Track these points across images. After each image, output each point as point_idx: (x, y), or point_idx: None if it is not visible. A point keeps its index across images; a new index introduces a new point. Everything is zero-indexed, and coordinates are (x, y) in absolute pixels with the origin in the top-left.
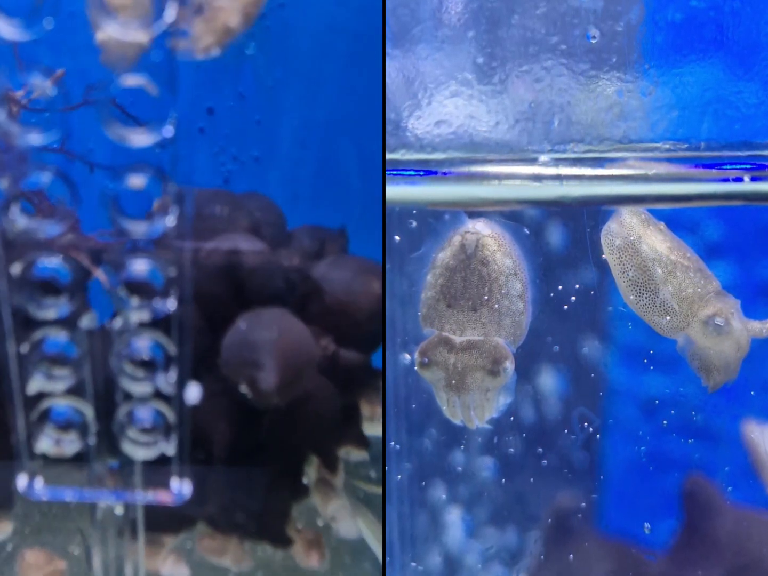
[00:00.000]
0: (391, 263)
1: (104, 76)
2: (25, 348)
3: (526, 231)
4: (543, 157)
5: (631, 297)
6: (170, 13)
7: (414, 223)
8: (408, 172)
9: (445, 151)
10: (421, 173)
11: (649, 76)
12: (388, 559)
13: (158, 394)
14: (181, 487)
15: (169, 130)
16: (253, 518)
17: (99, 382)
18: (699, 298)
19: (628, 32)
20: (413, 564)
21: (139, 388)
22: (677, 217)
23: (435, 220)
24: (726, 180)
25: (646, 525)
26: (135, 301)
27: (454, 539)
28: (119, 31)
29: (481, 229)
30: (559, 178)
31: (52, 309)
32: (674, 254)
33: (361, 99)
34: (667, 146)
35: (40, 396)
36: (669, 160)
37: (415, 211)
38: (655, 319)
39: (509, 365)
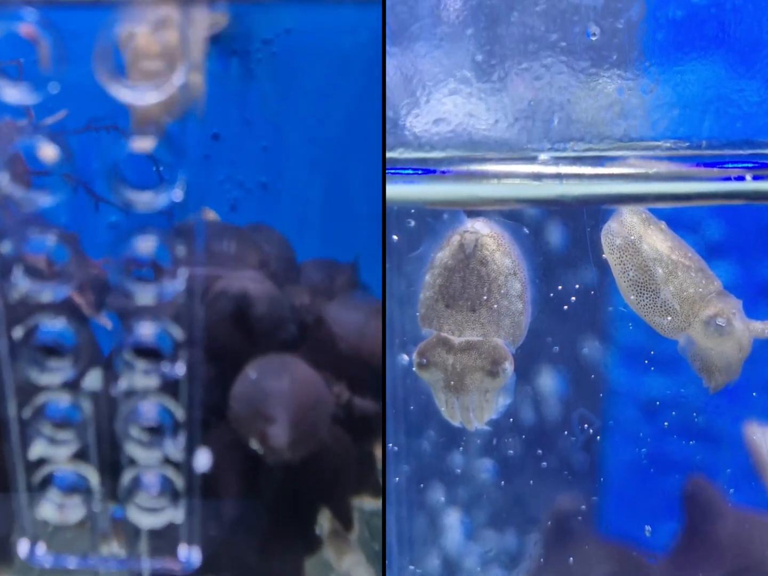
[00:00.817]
0: (389, 263)
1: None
2: (27, 413)
3: (526, 230)
4: (543, 156)
5: (632, 297)
6: (179, 76)
7: (412, 223)
8: (406, 171)
9: (444, 150)
10: (420, 172)
11: (650, 73)
12: (386, 562)
13: (167, 460)
14: (189, 555)
15: (177, 194)
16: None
17: (104, 446)
18: (700, 298)
19: (629, 29)
20: (411, 567)
21: (146, 454)
22: (678, 217)
23: (433, 219)
24: (727, 179)
25: (647, 527)
26: (142, 365)
27: (452, 542)
28: (131, 96)
29: (480, 228)
30: (558, 176)
31: (56, 374)
32: (675, 254)
33: (369, 124)
34: (668, 145)
35: (42, 461)
36: (670, 158)
37: (413, 211)
38: (656, 319)
39: (508, 366)
